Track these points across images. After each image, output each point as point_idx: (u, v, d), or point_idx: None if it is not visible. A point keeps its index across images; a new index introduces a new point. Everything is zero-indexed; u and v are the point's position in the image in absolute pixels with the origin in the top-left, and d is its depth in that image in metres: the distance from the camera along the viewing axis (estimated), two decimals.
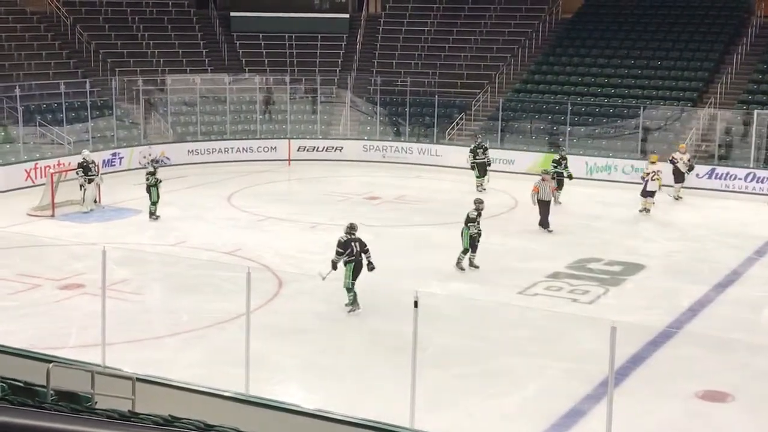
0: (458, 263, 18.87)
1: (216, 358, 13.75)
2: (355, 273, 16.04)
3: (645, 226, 23.49)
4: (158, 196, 22.94)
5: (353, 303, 15.96)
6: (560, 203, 25.12)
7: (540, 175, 23.18)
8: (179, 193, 26.67)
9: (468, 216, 18.81)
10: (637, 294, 17.77)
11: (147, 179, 23.07)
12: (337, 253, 16.09)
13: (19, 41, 33.15)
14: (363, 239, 16.25)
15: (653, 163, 25.38)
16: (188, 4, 39.09)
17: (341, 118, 35.27)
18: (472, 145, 28.61)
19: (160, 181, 23.03)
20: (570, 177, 26.23)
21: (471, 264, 18.95)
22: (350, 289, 15.99)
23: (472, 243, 18.79)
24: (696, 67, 33.43)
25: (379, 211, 24.66)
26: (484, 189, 27.19)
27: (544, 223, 22.47)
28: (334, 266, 16.13)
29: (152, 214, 22.91)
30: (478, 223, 18.85)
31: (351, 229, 16.35)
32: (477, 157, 27.96)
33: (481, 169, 27.92)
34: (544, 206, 22.50)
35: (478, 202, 19.20)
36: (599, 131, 31.85)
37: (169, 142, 32.31)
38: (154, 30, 36.92)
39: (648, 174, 24.64)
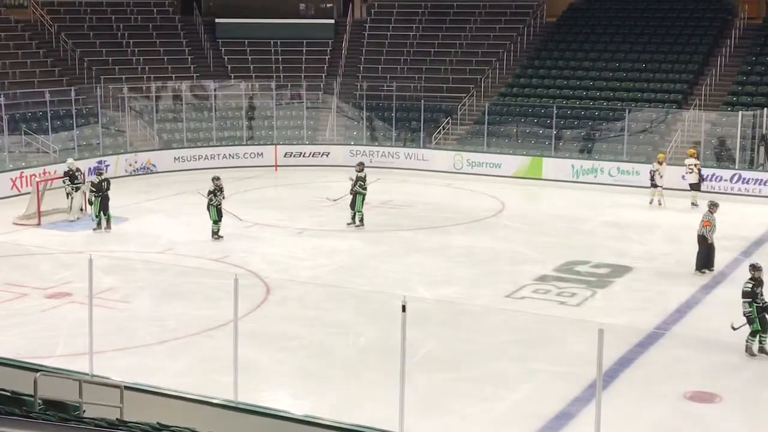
0: (747, 349, 14.37)
1: (204, 366, 13.72)
2: (103, 204, 22.45)
3: (632, 228, 23.52)
4: (217, 215, 21.79)
5: (98, 224, 22.48)
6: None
7: (708, 207, 19.39)
8: (166, 200, 26.70)
9: (743, 291, 14.42)
10: (624, 296, 17.80)
11: (208, 197, 21.94)
12: (92, 192, 22.61)
13: (3, 50, 33.01)
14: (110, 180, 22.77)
15: (690, 156, 26.76)
16: (173, 11, 39.05)
17: (327, 123, 35.27)
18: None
19: (218, 200, 21.85)
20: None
21: (762, 350, 14.37)
22: (98, 215, 22.43)
23: (762, 322, 14.31)
24: (681, 69, 33.57)
25: (366, 216, 24.63)
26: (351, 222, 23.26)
27: (709, 264, 19.06)
28: (90, 201, 22.73)
29: (213, 234, 21.83)
30: (762, 294, 14.35)
31: (100, 170, 23.83)
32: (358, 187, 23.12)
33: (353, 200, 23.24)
34: (712, 242, 19.21)
35: (756, 270, 14.52)
36: (585, 134, 31.93)
37: (155, 149, 32.26)
38: (138, 37, 36.83)
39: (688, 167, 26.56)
